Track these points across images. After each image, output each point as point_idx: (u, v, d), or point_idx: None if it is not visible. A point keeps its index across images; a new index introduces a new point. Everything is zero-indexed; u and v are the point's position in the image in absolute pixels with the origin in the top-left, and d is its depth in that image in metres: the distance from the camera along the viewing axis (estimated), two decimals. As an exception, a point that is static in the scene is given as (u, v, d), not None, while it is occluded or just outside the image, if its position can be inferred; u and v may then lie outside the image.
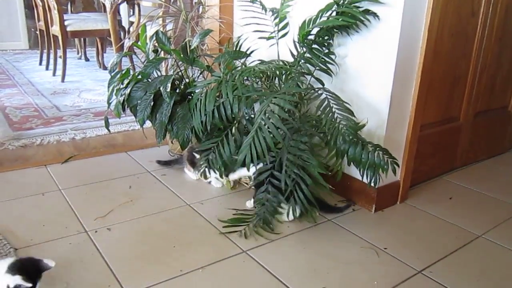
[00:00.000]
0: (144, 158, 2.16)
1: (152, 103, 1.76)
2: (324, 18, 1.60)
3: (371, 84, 1.67)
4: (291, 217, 1.61)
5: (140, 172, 2.01)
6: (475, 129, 2.24)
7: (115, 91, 1.85)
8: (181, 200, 1.77)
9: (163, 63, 2.04)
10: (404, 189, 1.83)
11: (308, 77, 1.76)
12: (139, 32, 1.89)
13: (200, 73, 1.99)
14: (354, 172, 1.72)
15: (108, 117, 1.94)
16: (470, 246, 1.54)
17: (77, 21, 3.82)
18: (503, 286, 1.34)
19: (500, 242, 1.58)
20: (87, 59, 4.83)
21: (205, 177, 1.89)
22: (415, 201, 1.85)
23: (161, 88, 1.72)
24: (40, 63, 4.50)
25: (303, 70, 1.72)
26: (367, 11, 1.57)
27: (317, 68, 1.70)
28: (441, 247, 1.52)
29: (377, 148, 1.49)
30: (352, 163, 1.50)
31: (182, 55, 1.81)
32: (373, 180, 1.51)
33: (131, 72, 1.87)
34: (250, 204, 1.71)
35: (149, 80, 1.85)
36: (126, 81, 1.84)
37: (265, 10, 1.80)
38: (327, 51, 1.69)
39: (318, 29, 1.66)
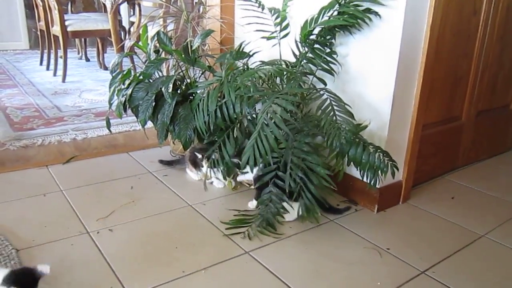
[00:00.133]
0: (145, 159, 2.16)
1: (153, 104, 1.76)
2: (326, 18, 1.60)
3: (373, 84, 1.66)
4: (292, 217, 1.61)
5: (141, 173, 2.01)
6: (477, 128, 2.24)
7: (116, 91, 1.85)
8: (183, 201, 1.76)
9: (164, 64, 2.04)
10: (406, 189, 1.82)
11: (310, 77, 1.75)
12: (140, 32, 1.89)
13: (202, 74, 1.98)
14: (355, 172, 1.71)
15: (109, 117, 1.93)
16: (473, 246, 1.54)
17: (77, 21, 3.82)
18: (507, 286, 1.34)
19: (503, 241, 1.57)
20: (87, 59, 4.82)
21: (207, 178, 1.89)
22: (417, 201, 1.85)
23: (163, 89, 1.72)
24: (41, 63, 4.50)
25: (305, 70, 1.71)
26: (368, 10, 1.57)
27: (319, 68, 1.69)
28: (444, 247, 1.52)
29: (378, 150, 1.48)
30: (352, 164, 1.50)
31: (183, 56, 1.80)
32: (373, 181, 1.51)
33: (132, 73, 1.86)
34: (252, 205, 1.71)
35: (151, 80, 1.84)
36: (127, 82, 1.83)
37: (262, 8, 1.80)
38: (329, 50, 1.69)
39: (320, 28, 1.66)
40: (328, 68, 1.69)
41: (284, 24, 1.76)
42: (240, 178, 1.78)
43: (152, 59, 1.85)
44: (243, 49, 1.82)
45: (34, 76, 3.99)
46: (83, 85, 3.70)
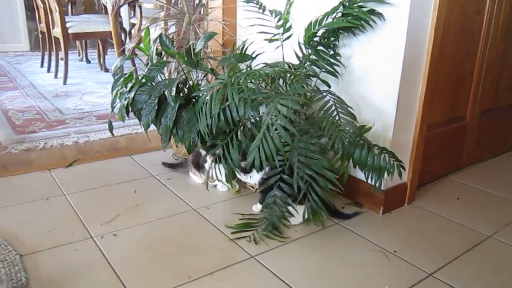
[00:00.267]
0: (148, 162, 2.15)
1: (156, 107, 1.75)
2: (329, 20, 1.58)
3: (377, 85, 1.65)
4: (298, 220, 1.59)
5: (144, 176, 2.00)
6: (481, 128, 2.23)
7: (119, 94, 1.84)
8: (187, 205, 1.75)
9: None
10: (411, 191, 1.81)
11: (314, 79, 1.74)
12: (142, 35, 1.88)
13: (204, 76, 1.97)
14: (360, 174, 1.70)
15: (112, 120, 1.92)
16: (481, 247, 1.53)
17: (78, 23, 3.81)
18: (515, 288, 1.33)
19: (510, 242, 1.56)
20: (88, 61, 4.82)
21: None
22: (422, 202, 1.84)
23: (166, 92, 1.70)
24: (42, 65, 4.49)
25: (309, 73, 1.70)
26: (372, 11, 1.56)
27: (323, 70, 1.68)
28: (451, 249, 1.51)
29: (383, 151, 1.47)
30: (357, 166, 1.48)
31: (186, 58, 1.79)
32: (377, 183, 1.49)
33: (134, 76, 1.85)
34: (257, 208, 1.70)
35: (153, 83, 1.83)
36: (129, 85, 1.82)
37: (263, 10, 1.79)
38: (332, 52, 1.67)
39: (324, 30, 1.64)
40: (332, 70, 1.68)
41: (286, 26, 1.75)
42: (242, 178, 1.76)
43: (154, 62, 1.84)
44: (246, 49, 1.81)
45: (35, 78, 3.98)
46: (84, 87, 3.69)
